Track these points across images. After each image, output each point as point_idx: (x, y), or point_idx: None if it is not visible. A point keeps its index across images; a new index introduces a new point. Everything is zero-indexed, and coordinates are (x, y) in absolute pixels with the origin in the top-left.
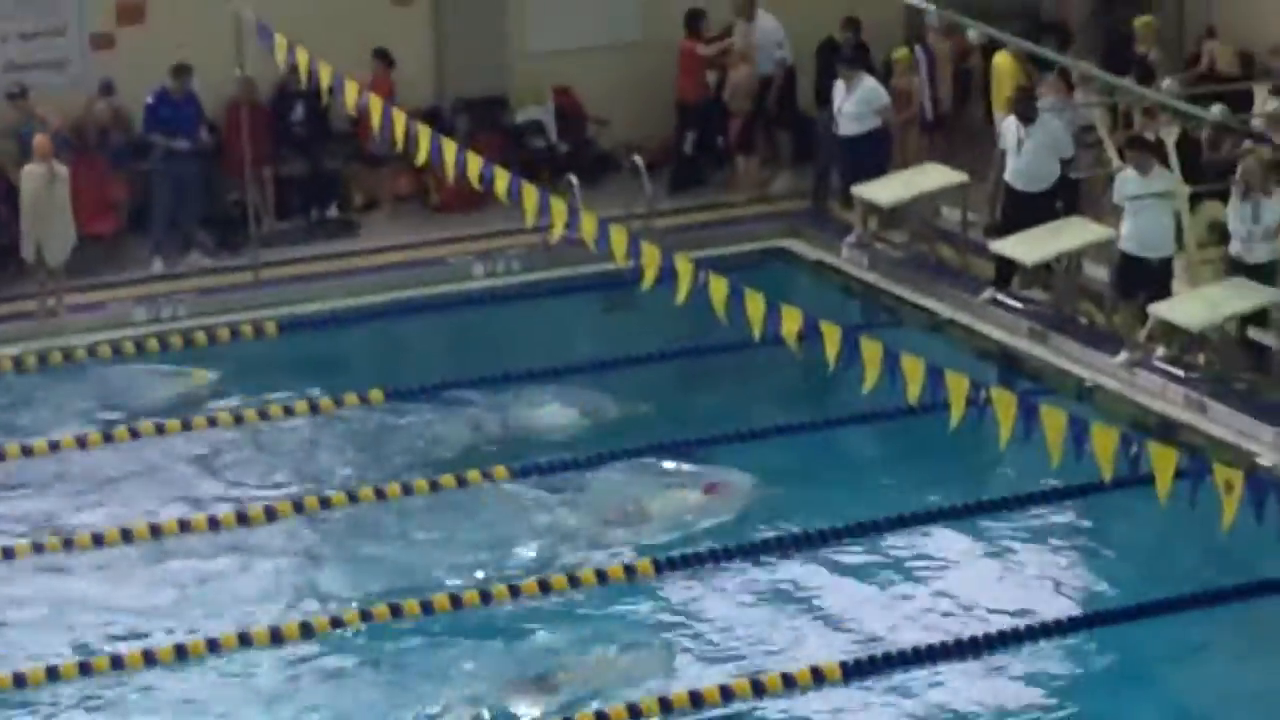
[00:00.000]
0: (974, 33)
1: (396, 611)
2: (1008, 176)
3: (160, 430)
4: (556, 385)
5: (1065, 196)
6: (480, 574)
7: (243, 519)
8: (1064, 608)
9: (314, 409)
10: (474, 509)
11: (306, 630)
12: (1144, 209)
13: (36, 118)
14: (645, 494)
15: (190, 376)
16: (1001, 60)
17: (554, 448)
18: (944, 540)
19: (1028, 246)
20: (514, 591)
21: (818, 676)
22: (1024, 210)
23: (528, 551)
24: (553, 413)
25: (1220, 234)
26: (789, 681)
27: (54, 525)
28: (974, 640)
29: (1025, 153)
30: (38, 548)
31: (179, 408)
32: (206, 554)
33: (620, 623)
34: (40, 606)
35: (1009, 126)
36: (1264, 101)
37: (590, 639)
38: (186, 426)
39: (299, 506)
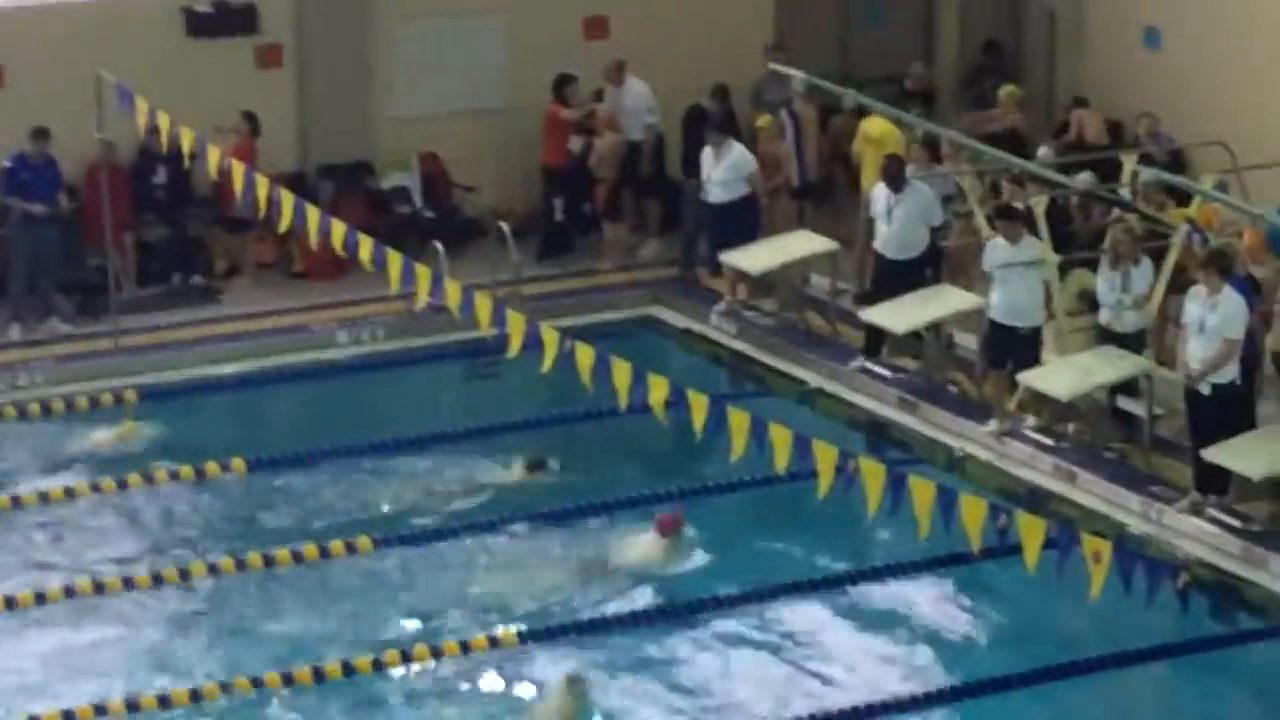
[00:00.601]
0: (848, 100)
1: (257, 683)
2: (877, 244)
3: (14, 502)
4: (420, 454)
5: (933, 264)
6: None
7: (99, 588)
8: (931, 679)
9: (174, 477)
10: (339, 579)
11: (164, 702)
12: (1013, 277)
13: None
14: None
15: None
16: (875, 126)
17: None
18: (811, 611)
19: (897, 315)
20: (377, 665)
21: None
22: (894, 278)
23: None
24: (415, 482)
25: (1089, 302)
26: None
27: None
28: (840, 713)
29: (895, 220)
30: None
31: (37, 473)
32: (65, 624)
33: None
34: None
35: (879, 194)
36: (1131, 170)
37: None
38: (43, 499)
39: (157, 578)
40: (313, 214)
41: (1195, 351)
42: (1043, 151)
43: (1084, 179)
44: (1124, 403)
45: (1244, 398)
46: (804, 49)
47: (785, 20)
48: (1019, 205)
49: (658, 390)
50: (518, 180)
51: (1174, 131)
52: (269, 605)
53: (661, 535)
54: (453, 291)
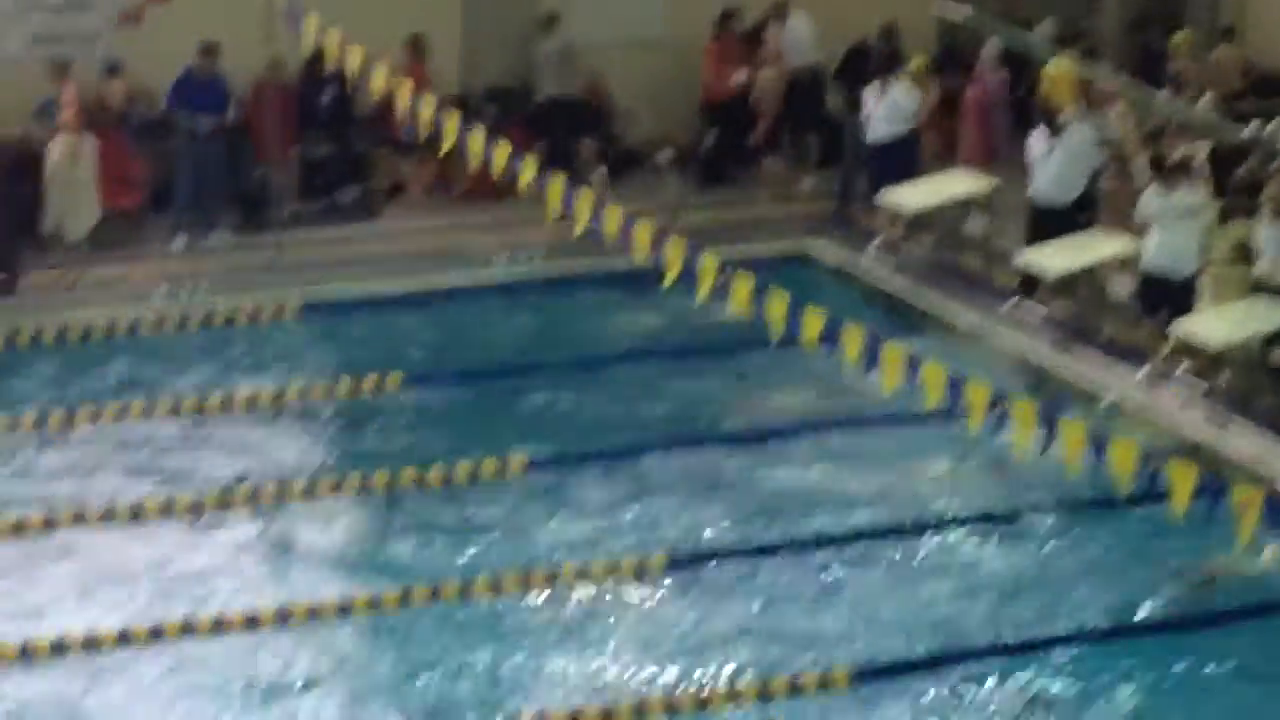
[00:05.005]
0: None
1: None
2: (1032, 188)
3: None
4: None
5: (1088, 209)
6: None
7: (282, 493)
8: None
9: (330, 392)
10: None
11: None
12: (1170, 225)
13: (61, 91)
14: None
15: None
16: (1059, 66)
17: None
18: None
19: (1053, 257)
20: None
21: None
22: (1051, 220)
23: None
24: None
25: (1246, 253)
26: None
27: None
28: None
29: (1053, 162)
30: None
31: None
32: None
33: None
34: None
35: (1037, 137)
36: None
37: None
38: (200, 406)
39: (337, 487)
40: (475, 137)
41: None
42: (1206, 98)
43: (1253, 128)
44: (1277, 355)
45: None
46: None
47: None
48: (1180, 153)
49: (813, 324)
50: (679, 111)
51: None
52: (426, 518)
53: None
54: (613, 218)
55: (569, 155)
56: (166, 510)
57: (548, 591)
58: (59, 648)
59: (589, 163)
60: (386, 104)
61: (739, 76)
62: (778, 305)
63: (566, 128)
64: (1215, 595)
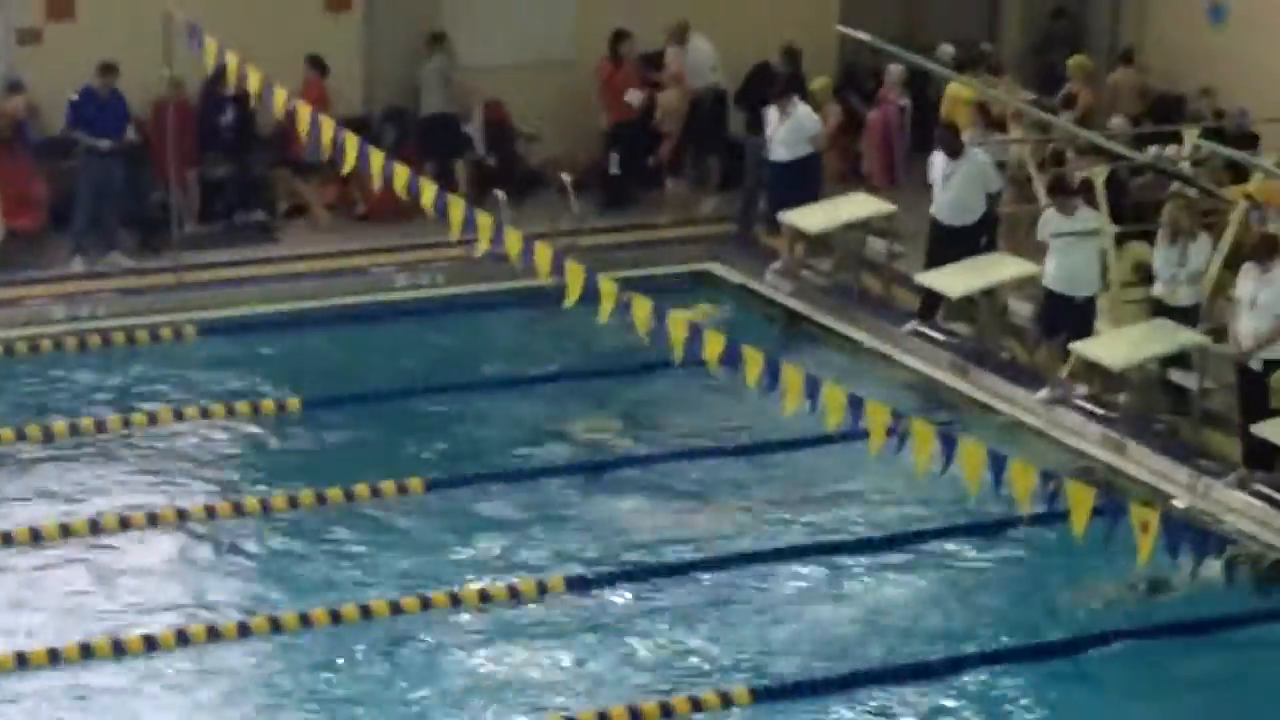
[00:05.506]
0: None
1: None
2: (934, 209)
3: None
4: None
5: (989, 231)
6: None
7: (152, 520)
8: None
9: (230, 413)
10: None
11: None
12: (1069, 247)
13: None
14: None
15: None
16: (961, 88)
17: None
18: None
19: (953, 279)
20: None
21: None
22: (949, 243)
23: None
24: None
25: (1145, 275)
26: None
27: None
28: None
29: (952, 186)
30: None
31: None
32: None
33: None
34: None
35: (936, 160)
36: (1191, 145)
37: None
38: (100, 428)
39: (210, 511)
40: (376, 157)
41: (1246, 327)
42: (1115, 122)
43: (1153, 152)
44: (1175, 375)
45: None
46: (870, 14)
47: None
48: (1078, 176)
49: (713, 346)
50: (581, 133)
51: (1232, 108)
52: (329, 542)
53: None
54: (514, 240)
55: (448, 174)
56: (66, 533)
57: (450, 611)
58: None
59: (465, 181)
60: (287, 125)
61: (632, 97)
62: (679, 327)
63: (443, 147)
64: (1164, 603)
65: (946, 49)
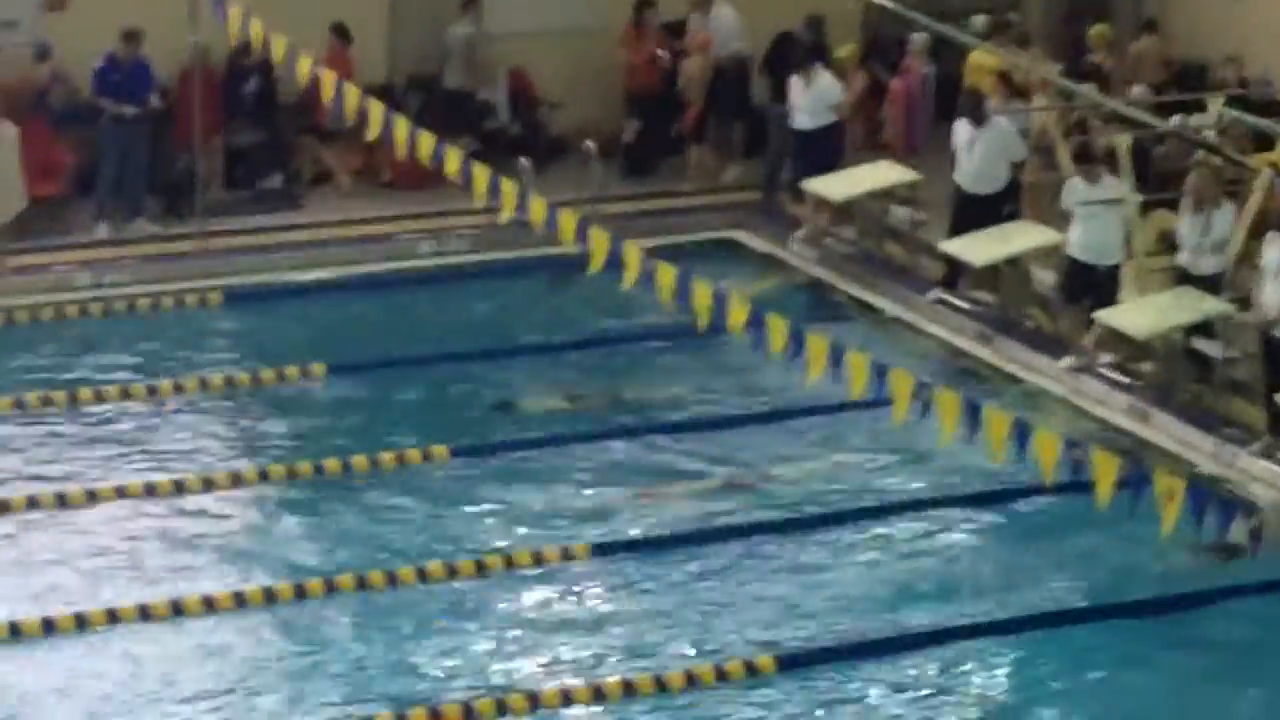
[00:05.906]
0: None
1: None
2: (957, 177)
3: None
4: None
5: (1013, 199)
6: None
7: (179, 487)
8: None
9: (255, 379)
10: (418, 488)
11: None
12: (1093, 216)
13: None
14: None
15: None
16: (985, 56)
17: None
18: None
19: (976, 248)
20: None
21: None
22: (973, 211)
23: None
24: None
25: (1169, 243)
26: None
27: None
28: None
29: (976, 154)
30: None
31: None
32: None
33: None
34: None
35: (960, 128)
36: (1216, 113)
37: None
38: (125, 394)
39: (237, 479)
40: (400, 125)
41: (1271, 295)
42: (1137, 91)
43: (1175, 121)
44: (1199, 344)
45: None
46: None
47: None
48: (1103, 144)
49: (738, 313)
50: (604, 100)
51: (1257, 76)
52: (354, 508)
53: None
54: (538, 207)
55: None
56: (93, 498)
57: (471, 579)
58: None
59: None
60: (311, 92)
61: (661, 54)
62: (703, 294)
63: (459, 124)
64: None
65: (978, 19)
